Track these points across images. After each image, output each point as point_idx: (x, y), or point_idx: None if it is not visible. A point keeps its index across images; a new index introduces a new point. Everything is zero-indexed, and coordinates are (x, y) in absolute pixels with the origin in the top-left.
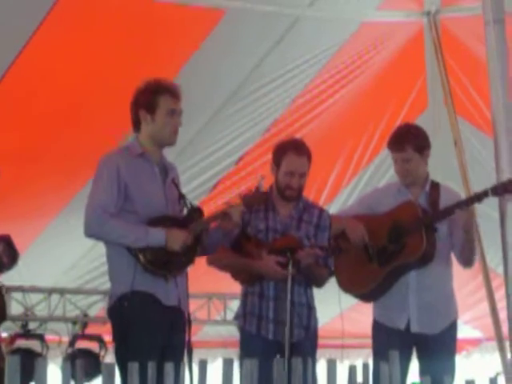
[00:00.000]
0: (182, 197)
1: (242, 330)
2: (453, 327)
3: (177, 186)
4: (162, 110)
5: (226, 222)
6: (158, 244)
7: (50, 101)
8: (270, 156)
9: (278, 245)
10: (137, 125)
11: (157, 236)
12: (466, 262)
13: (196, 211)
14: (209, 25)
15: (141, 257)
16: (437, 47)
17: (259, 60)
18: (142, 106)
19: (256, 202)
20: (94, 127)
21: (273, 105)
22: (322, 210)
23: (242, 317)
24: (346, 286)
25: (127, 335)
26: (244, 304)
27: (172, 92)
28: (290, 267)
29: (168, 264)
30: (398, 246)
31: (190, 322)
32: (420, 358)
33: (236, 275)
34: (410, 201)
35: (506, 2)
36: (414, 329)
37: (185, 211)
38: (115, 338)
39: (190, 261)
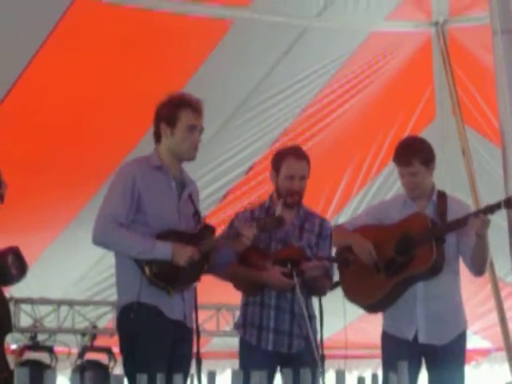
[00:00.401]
0: (197, 213)
1: (243, 341)
2: (462, 338)
3: (193, 201)
4: (182, 125)
5: (237, 244)
6: (164, 258)
7: (58, 113)
8: None
9: (282, 256)
10: (157, 137)
11: (163, 250)
12: (478, 269)
13: (208, 229)
14: (217, 35)
15: (146, 269)
16: (445, 57)
17: (268, 70)
18: (162, 119)
19: (270, 225)
20: (102, 139)
21: (282, 115)
22: (322, 219)
23: (242, 327)
24: (353, 297)
25: (134, 346)
26: (244, 314)
27: (194, 107)
28: (295, 278)
29: (173, 279)
30: (406, 258)
31: (198, 333)
32: (429, 369)
33: (239, 285)
34: (419, 212)
35: None
36: (422, 339)
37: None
38: (122, 349)
39: (196, 278)
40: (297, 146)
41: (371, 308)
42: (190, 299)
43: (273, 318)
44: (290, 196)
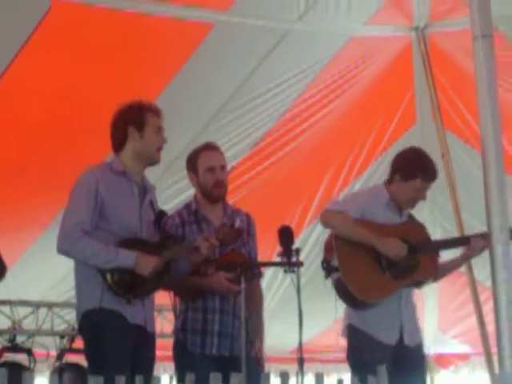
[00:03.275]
0: (157, 221)
1: (183, 348)
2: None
3: (154, 209)
4: (150, 127)
5: (195, 255)
6: (127, 266)
7: (36, 117)
8: (260, 168)
9: (226, 261)
10: (121, 143)
11: (126, 259)
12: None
13: (169, 238)
14: (198, 37)
15: (108, 276)
16: (425, 62)
17: (249, 73)
18: (130, 123)
19: (230, 237)
20: (82, 141)
21: (262, 118)
22: (248, 216)
23: (182, 332)
24: (359, 292)
25: (98, 348)
26: (184, 319)
27: (154, 110)
28: (243, 283)
29: (133, 288)
30: (412, 262)
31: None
32: (398, 371)
33: (178, 292)
34: (420, 223)
35: (494, 17)
36: (407, 341)
37: (157, 236)
38: (87, 353)
39: (156, 287)
40: (207, 142)
41: (365, 305)
42: (150, 304)
43: (217, 321)
44: (217, 188)
